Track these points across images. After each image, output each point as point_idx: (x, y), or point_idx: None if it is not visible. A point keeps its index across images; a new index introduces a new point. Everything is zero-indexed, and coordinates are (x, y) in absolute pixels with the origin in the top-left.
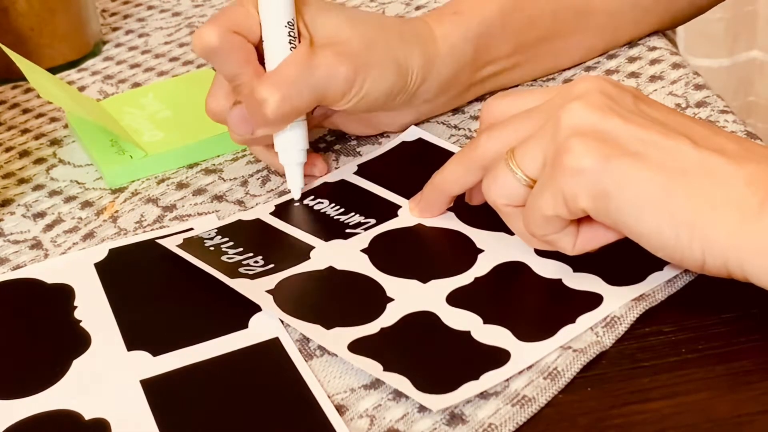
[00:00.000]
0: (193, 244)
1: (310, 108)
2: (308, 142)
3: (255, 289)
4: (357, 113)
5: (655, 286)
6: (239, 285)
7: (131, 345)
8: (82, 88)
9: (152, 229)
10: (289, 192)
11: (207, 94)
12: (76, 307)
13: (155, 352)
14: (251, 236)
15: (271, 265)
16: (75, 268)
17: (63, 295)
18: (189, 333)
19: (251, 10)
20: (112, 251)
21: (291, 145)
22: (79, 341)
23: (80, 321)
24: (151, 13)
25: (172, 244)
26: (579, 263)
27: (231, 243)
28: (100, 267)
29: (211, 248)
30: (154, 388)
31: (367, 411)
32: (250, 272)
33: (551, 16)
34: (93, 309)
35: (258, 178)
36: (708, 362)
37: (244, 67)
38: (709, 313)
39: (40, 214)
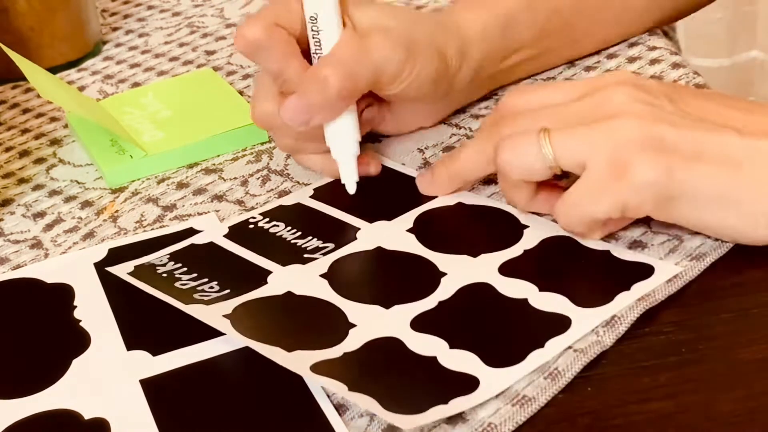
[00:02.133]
0: (144, 271)
1: (366, 90)
2: (360, 135)
3: (212, 315)
4: (403, 101)
5: (624, 308)
6: (194, 311)
7: (131, 344)
8: (82, 88)
9: (152, 229)
10: (253, 207)
11: (252, 100)
12: (75, 306)
13: (155, 352)
14: (205, 261)
15: (227, 291)
16: (75, 267)
17: (63, 294)
18: (188, 332)
19: (293, 4)
20: (111, 251)
21: (343, 136)
22: (79, 341)
23: (80, 321)
24: (151, 13)
25: (122, 272)
26: (544, 283)
27: (184, 269)
28: (100, 267)
29: (164, 275)
30: (154, 388)
31: (368, 410)
32: (206, 298)
33: (574, 5)
34: (93, 309)
35: (258, 178)
36: (708, 362)
37: (291, 59)
38: (709, 313)
39: (40, 214)
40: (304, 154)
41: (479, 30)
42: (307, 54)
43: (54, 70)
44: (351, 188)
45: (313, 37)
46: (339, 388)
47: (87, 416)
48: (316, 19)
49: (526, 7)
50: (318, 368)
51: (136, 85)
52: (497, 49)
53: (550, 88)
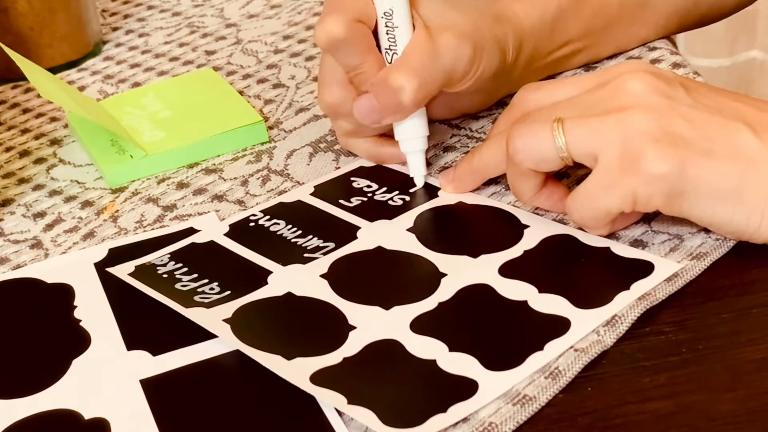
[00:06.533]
0: (145, 272)
1: (438, 91)
2: (428, 131)
3: (211, 319)
4: (464, 94)
5: (623, 307)
6: (195, 315)
7: (131, 344)
8: (82, 88)
9: (152, 229)
10: (252, 206)
11: (320, 86)
12: (75, 306)
13: (155, 352)
14: (205, 261)
15: (228, 292)
16: (75, 267)
17: (63, 294)
18: (188, 332)
19: None
20: (112, 251)
21: (414, 133)
22: (79, 341)
23: (80, 321)
24: (151, 13)
25: (123, 273)
26: (544, 284)
27: (185, 269)
28: (100, 267)
29: (164, 275)
30: (154, 388)
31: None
32: (206, 300)
33: (618, 5)
34: (93, 309)
35: (258, 178)
36: (708, 362)
37: (367, 56)
38: (709, 313)
39: (40, 214)
40: (358, 138)
41: (531, 23)
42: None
43: (54, 70)
44: (420, 181)
45: (388, 33)
46: (338, 401)
47: (87, 416)
48: (391, 15)
49: (574, 3)
50: (318, 377)
51: (136, 85)
52: (546, 42)
53: (565, 82)
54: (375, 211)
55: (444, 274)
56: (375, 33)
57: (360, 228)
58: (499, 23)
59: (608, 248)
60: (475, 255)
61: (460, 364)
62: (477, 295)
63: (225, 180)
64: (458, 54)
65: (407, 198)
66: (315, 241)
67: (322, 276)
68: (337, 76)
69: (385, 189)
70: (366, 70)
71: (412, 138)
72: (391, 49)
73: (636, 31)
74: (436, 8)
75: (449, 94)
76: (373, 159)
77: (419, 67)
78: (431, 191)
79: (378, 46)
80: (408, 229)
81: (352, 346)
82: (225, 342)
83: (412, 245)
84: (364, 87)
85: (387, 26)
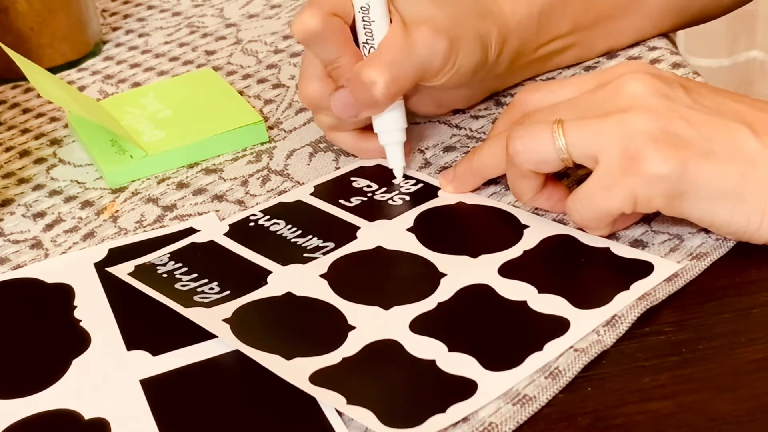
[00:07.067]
0: (145, 272)
1: (412, 86)
2: (406, 123)
3: (211, 319)
4: (444, 89)
5: (623, 307)
6: (194, 315)
7: (131, 344)
8: (82, 88)
9: (152, 229)
10: (252, 206)
11: (300, 79)
12: (75, 306)
13: (155, 352)
14: (205, 261)
15: (227, 292)
16: (75, 267)
17: (63, 294)
18: (188, 332)
19: None
20: (112, 251)
21: (392, 125)
22: (79, 341)
23: (80, 321)
24: (151, 13)
25: (123, 273)
26: (544, 284)
27: (185, 269)
28: (100, 267)
29: (164, 275)
30: (154, 388)
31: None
32: (206, 300)
33: None
34: (93, 309)
35: (258, 178)
36: (708, 362)
37: (344, 49)
38: (709, 313)
39: (40, 214)
40: (340, 132)
41: (517, 19)
42: (357, 40)
43: (54, 70)
44: (399, 174)
45: (365, 28)
46: (337, 402)
47: (87, 416)
48: (368, 9)
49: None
50: (317, 377)
51: (136, 85)
52: (533, 38)
53: (565, 83)
54: (375, 211)
55: (444, 274)
56: (354, 28)
57: (360, 228)
58: (483, 19)
59: (608, 248)
60: (474, 255)
61: (459, 364)
62: (476, 295)
63: (225, 180)
64: (433, 48)
65: (407, 198)
66: (315, 241)
67: (322, 276)
68: (316, 70)
69: (385, 189)
70: (343, 64)
71: (390, 130)
72: (368, 44)
73: (628, 25)
74: (414, 3)
75: (433, 89)
76: (356, 153)
77: (391, 61)
78: (431, 191)
79: (357, 41)
80: (408, 229)
81: (351, 346)
82: (225, 342)
83: (412, 245)
84: (341, 81)
85: (364, 21)
